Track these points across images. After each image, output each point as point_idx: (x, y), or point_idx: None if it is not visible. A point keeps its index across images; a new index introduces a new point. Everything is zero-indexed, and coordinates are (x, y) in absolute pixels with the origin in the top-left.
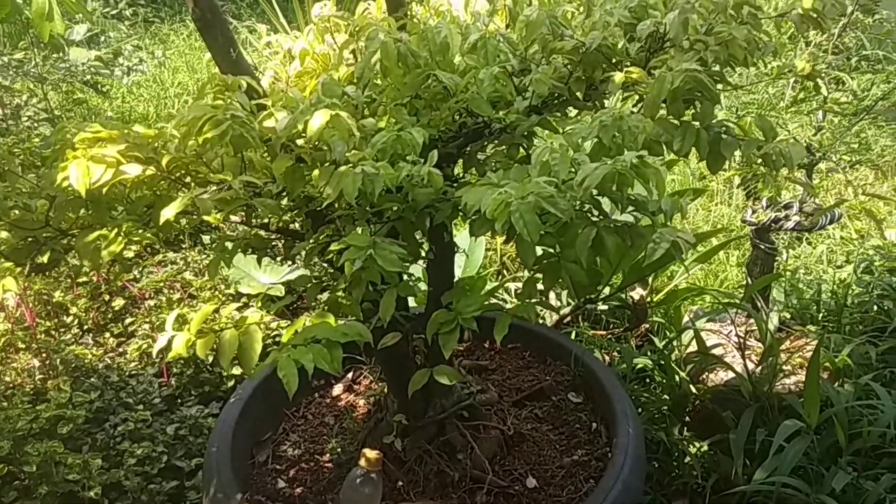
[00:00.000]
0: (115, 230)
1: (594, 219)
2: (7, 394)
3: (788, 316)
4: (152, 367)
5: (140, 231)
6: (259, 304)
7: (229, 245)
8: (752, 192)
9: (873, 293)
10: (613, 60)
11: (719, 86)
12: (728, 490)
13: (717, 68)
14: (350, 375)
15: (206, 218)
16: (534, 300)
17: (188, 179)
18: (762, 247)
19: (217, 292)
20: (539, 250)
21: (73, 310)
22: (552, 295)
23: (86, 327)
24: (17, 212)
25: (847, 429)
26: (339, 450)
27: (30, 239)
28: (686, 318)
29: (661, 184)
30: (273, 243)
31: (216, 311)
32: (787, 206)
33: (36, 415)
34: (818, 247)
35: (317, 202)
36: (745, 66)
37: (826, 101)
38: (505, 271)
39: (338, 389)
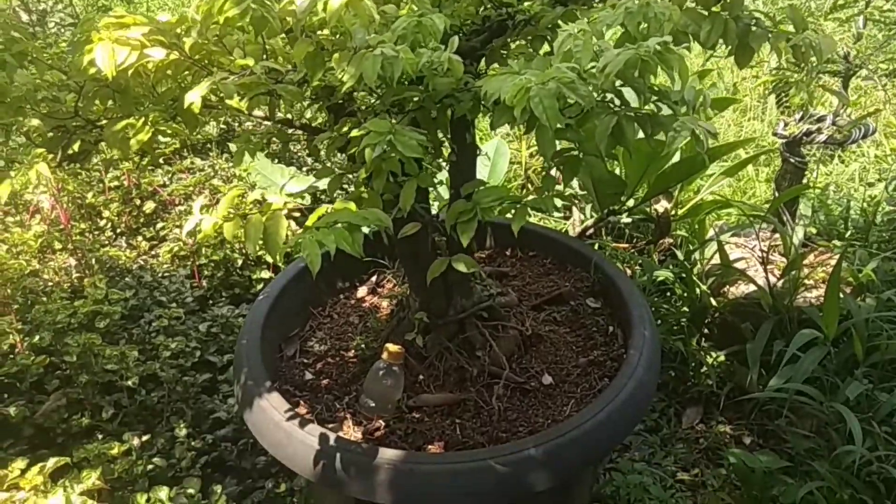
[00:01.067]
0: (143, 119)
1: (615, 108)
2: (46, 290)
3: (815, 231)
4: (184, 268)
5: (167, 122)
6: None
7: (253, 137)
8: (783, 103)
9: None
10: None
11: None
12: (742, 397)
13: None
14: (374, 279)
15: (229, 103)
16: (551, 193)
17: (212, 68)
18: (792, 160)
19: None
20: (559, 146)
21: (106, 213)
22: (574, 210)
23: (119, 230)
24: (45, 103)
25: (865, 341)
26: (363, 346)
27: (61, 128)
28: (710, 233)
29: (684, 71)
30: (294, 138)
31: (242, 196)
32: (820, 120)
33: (74, 310)
34: (851, 165)
35: (338, 94)
36: None
37: (867, 7)
38: (529, 185)
39: (362, 291)
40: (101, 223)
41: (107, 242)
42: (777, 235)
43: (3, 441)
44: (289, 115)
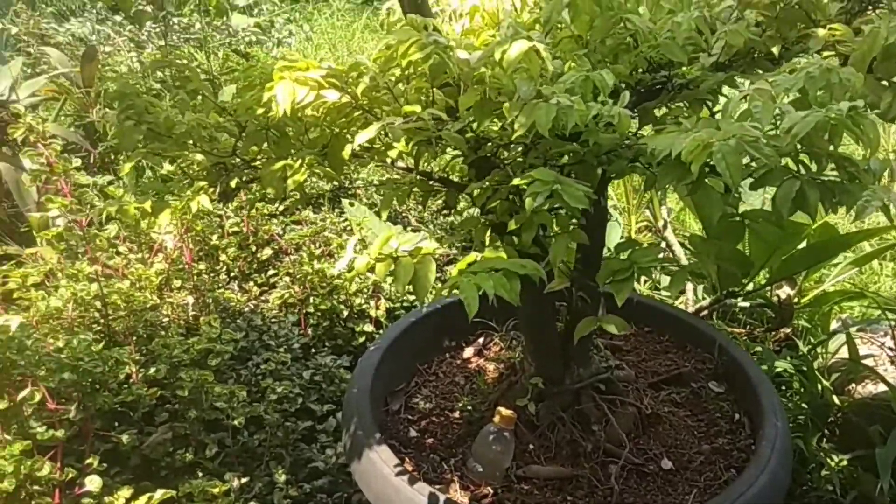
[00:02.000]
0: (300, 161)
1: (795, 173)
2: (164, 325)
3: None
4: (292, 314)
5: (321, 165)
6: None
7: (399, 180)
8: None
9: None
10: (813, 17)
11: None
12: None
13: None
14: (481, 340)
15: (377, 152)
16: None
17: (376, 113)
18: None
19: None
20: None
21: (223, 257)
22: (689, 289)
23: (232, 275)
24: (208, 140)
25: None
26: (469, 407)
27: (220, 165)
28: (834, 325)
29: (876, 139)
30: (434, 189)
31: (389, 240)
32: None
33: (189, 346)
34: None
35: (485, 148)
36: None
37: None
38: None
39: (468, 352)
40: (217, 267)
41: (221, 285)
42: None
43: (111, 468)
44: (429, 169)
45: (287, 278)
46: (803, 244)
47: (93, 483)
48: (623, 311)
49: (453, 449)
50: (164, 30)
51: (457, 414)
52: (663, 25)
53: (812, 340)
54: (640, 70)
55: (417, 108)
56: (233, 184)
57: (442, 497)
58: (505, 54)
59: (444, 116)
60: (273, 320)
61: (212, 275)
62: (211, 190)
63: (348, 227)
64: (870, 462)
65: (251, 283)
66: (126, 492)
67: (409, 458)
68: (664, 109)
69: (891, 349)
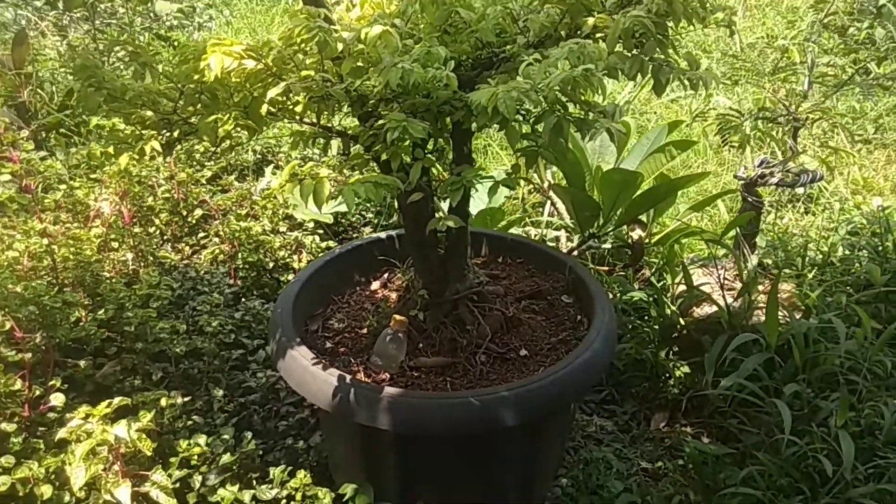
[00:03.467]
0: (227, 115)
1: (558, 113)
2: (107, 278)
3: (770, 263)
4: (223, 267)
5: (245, 119)
6: (311, 230)
7: (306, 129)
8: (727, 142)
9: (858, 254)
10: (592, 11)
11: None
12: (697, 393)
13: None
14: (386, 276)
15: (287, 109)
16: (517, 176)
17: (283, 78)
18: (750, 200)
19: (275, 215)
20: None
21: (157, 221)
22: (563, 237)
23: (165, 237)
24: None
25: (804, 352)
26: (374, 324)
27: (165, 120)
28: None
29: (603, 89)
30: (331, 137)
31: (299, 166)
32: (775, 166)
33: (132, 292)
34: (819, 216)
35: (367, 105)
36: (688, 21)
37: (811, 71)
38: (527, 217)
39: (375, 285)
40: (151, 230)
41: (156, 247)
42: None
43: (69, 393)
44: (329, 123)
45: (216, 238)
46: (642, 190)
47: (57, 399)
48: (500, 246)
49: (361, 354)
50: (90, 14)
51: (364, 330)
52: (480, 16)
53: (664, 275)
54: (478, 48)
55: (312, 73)
56: (175, 134)
57: (348, 377)
58: (367, 35)
59: (333, 78)
60: (205, 273)
61: (147, 237)
62: (153, 152)
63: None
64: (703, 366)
65: (183, 245)
66: (85, 408)
67: (325, 361)
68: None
69: (723, 278)
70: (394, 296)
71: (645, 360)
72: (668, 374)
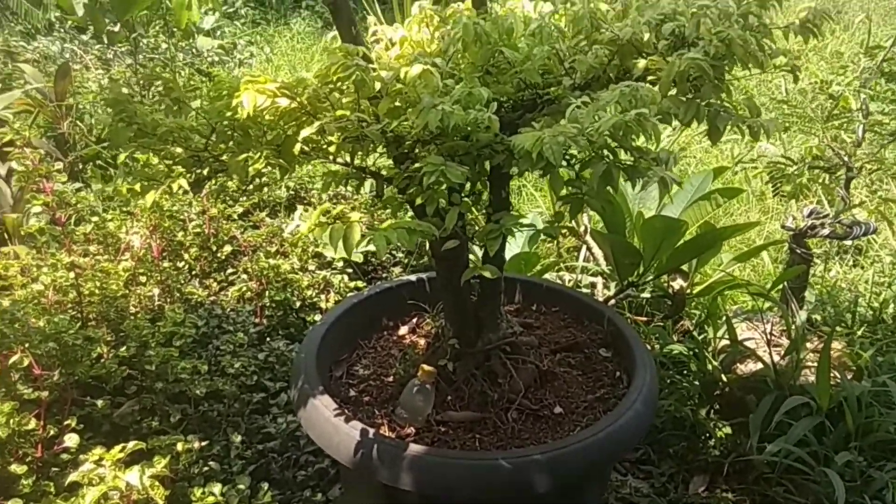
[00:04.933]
0: (259, 154)
1: (607, 160)
2: (132, 313)
3: (819, 319)
4: (250, 306)
5: (276, 158)
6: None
7: (338, 169)
8: (778, 192)
9: None
10: (643, 52)
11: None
12: (739, 458)
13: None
14: (415, 321)
15: (321, 148)
16: (560, 225)
17: (319, 115)
18: (798, 251)
19: (305, 253)
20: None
21: (186, 256)
22: (599, 284)
23: (194, 273)
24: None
25: (857, 416)
26: (401, 372)
27: (194, 157)
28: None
29: (657, 135)
30: (366, 179)
31: (327, 212)
32: (825, 216)
33: (156, 329)
34: (868, 270)
35: (404, 146)
36: (746, 64)
37: (867, 118)
38: (561, 262)
39: (403, 330)
40: (180, 265)
41: (184, 282)
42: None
43: (84, 433)
44: (363, 164)
45: (245, 275)
46: (686, 239)
47: (71, 440)
48: (534, 293)
49: (386, 405)
50: (133, 49)
51: (391, 378)
52: (526, 56)
53: (705, 328)
54: (522, 88)
55: (347, 112)
56: (205, 172)
57: (371, 431)
58: (407, 74)
59: (369, 119)
60: (231, 311)
61: (175, 272)
62: (181, 190)
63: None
64: (746, 427)
65: (211, 281)
66: (100, 450)
67: (348, 410)
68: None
69: (770, 334)
70: (422, 342)
71: (684, 417)
72: (708, 434)
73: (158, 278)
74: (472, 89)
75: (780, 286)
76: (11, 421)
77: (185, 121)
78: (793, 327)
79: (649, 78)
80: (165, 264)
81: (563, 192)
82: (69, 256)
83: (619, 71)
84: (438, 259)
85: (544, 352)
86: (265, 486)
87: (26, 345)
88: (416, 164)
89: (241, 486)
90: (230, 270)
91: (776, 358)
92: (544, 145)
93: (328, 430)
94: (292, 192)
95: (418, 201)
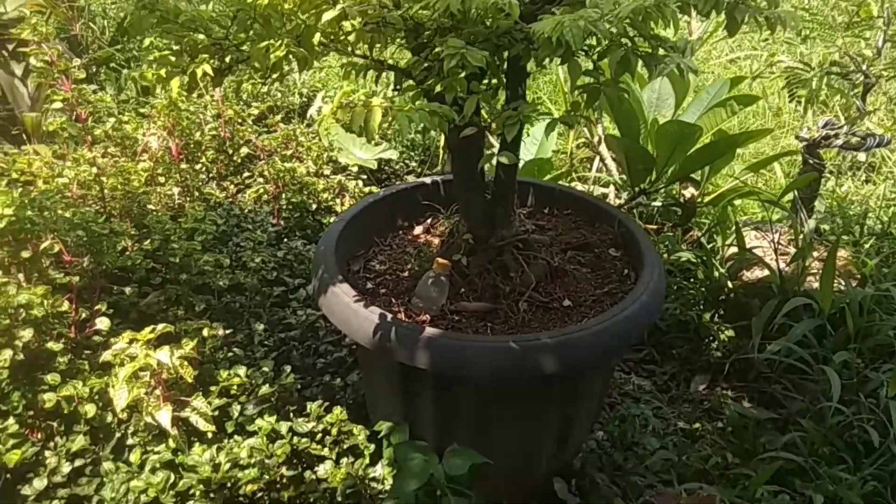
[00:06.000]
0: (280, 42)
1: (625, 46)
2: (153, 210)
3: (827, 228)
4: (267, 206)
5: (296, 48)
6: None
7: (358, 61)
8: (794, 97)
9: None
10: None
11: None
12: (740, 356)
13: None
14: (429, 221)
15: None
16: (577, 114)
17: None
18: (811, 161)
19: (319, 158)
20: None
21: (203, 159)
22: (611, 193)
23: (211, 175)
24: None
25: (858, 320)
26: (416, 268)
27: (216, 45)
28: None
29: (675, 23)
30: (384, 71)
31: (349, 95)
32: (840, 127)
33: (177, 225)
34: (880, 186)
35: (422, 35)
36: None
37: (888, 27)
38: (574, 172)
39: (418, 230)
40: (197, 167)
41: (201, 184)
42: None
43: (114, 319)
44: (381, 58)
45: (261, 178)
46: (699, 145)
47: (102, 323)
48: (547, 197)
49: (402, 296)
50: None
51: (406, 273)
52: None
53: (714, 236)
54: None
55: None
56: (227, 60)
57: (389, 315)
58: None
59: (389, 3)
60: (249, 212)
61: (193, 173)
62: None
63: (315, 136)
64: (749, 330)
65: (228, 183)
66: (130, 333)
67: (366, 300)
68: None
69: (777, 243)
70: (436, 241)
71: (689, 321)
72: (711, 337)
73: (177, 178)
74: None
75: (791, 195)
76: (46, 302)
77: (204, 10)
78: (800, 235)
79: None
80: (184, 165)
81: (581, 82)
82: (90, 153)
83: None
84: (454, 151)
85: (555, 250)
86: (287, 368)
87: (55, 233)
88: (437, 49)
89: (265, 369)
90: (246, 174)
91: (783, 266)
92: (564, 29)
93: (348, 314)
94: (306, 99)
95: (437, 89)
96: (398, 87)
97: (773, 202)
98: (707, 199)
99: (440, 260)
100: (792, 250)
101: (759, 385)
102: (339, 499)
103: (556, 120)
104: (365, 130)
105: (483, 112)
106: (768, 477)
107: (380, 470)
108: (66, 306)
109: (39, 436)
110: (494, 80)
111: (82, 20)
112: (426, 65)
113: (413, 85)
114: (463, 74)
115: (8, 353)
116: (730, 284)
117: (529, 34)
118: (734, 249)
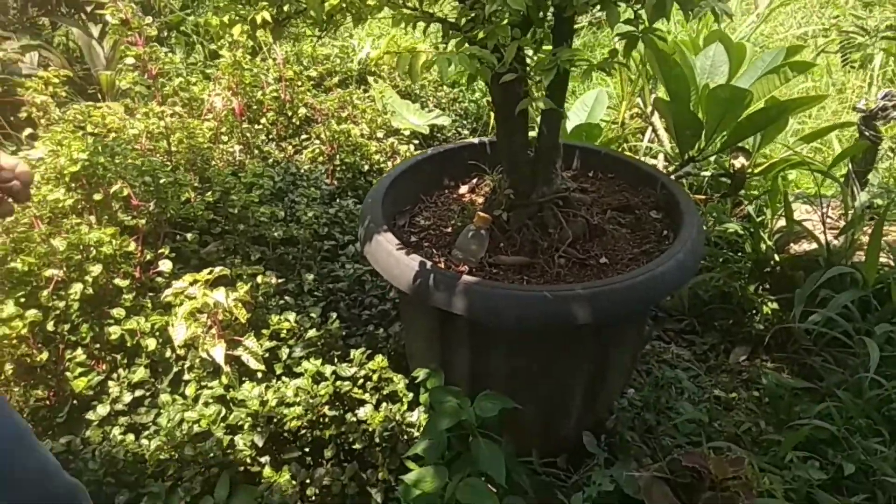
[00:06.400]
0: None
1: None
2: (215, 165)
3: (881, 203)
4: (322, 165)
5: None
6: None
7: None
8: (847, 62)
9: None
10: None
11: None
12: (780, 325)
13: None
14: (475, 181)
15: None
16: (614, 60)
17: None
18: (867, 133)
19: (373, 121)
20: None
21: (263, 121)
22: (660, 164)
23: (271, 136)
24: None
25: None
26: (459, 224)
27: None
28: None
29: None
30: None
31: (395, 40)
32: None
33: (237, 180)
34: None
35: None
36: None
37: None
38: (625, 142)
39: (463, 189)
40: (258, 127)
41: (262, 143)
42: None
43: (176, 263)
44: (430, 11)
45: (317, 140)
46: (750, 111)
47: (165, 265)
48: (592, 160)
49: (444, 249)
50: None
51: (449, 229)
52: None
53: (763, 210)
54: None
55: None
56: (285, 8)
57: (429, 263)
58: None
59: None
60: (305, 171)
61: (254, 132)
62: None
63: (371, 99)
64: (792, 302)
65: (287, 144)
66: (190, 275)
67: (408, 249)
68: None
69: (827, 216)
70: (480, 200)
71: (732, 293)
72: (755, 310)
73: (239, 137)
74: None
75: (845, 169)
76: (114, 241)
77: None
78: (851, 207)
79: None
80: (245, 125)
81: (619, 30)
82: (159, 107)
83: None
84: (496, 97)
85: (595, 210)
86: (333, 315)
87: (125, 178)
88: None
89: (313, 315)
90: (304, 136)
91: (831, 239)
92: None
93: (390, 262)
94: (362, 66)
95: (480, 36)
96: (445, 35)
97: (823, 172)
98: (758, 169)
99: (481, 214)
100: (842, 223)
101: (799, 357)
102: (377, 440)
103: (594, 66)
104: (409, 74)
105: (528, 61)
106: (798, 442)
107: (416, 416)
108: (132, 247)
109: (104, 367)
110: (540, 31)
111: None
112: (472, 15)
113: (459, 35)
114: (506, 21)
115: (78, 286)
116: (776, 257)
117: None
118: (783, 222)
